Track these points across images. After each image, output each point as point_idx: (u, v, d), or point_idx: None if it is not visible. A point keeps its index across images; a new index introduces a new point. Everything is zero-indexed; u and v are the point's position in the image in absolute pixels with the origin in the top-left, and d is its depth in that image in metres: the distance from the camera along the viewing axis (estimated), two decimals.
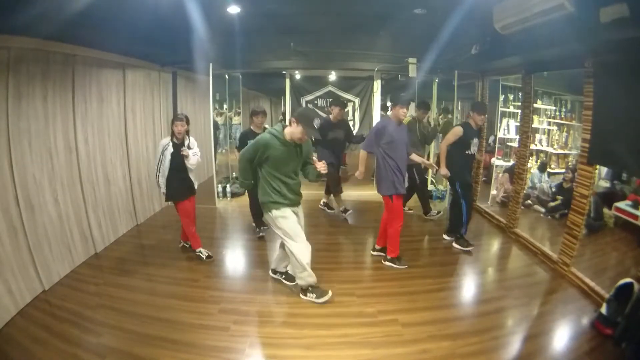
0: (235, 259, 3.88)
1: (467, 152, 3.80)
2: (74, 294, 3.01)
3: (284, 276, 3.21)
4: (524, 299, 3.04)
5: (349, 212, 5.03)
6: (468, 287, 3.28)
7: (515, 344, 2.48)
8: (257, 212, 4.06)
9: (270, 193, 2.76)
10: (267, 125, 4.02)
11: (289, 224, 2.79)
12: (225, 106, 8.12)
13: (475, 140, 3.83)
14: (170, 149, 3.41)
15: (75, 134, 3.49)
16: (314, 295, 2.91)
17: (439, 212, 5.05)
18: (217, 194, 5.73)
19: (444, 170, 3.84)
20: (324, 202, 5.35)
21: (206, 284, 3.22)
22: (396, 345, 2.44)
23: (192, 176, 3.60)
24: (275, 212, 2.79)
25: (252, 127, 4.05)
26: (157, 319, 2.69)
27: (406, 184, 3.59)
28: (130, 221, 4.49)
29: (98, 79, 3.83)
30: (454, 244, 4.00)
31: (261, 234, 4.26)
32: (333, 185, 4.97)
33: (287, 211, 2.81)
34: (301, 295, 2.96)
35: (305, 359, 2.33)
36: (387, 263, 3.56)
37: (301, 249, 2.80)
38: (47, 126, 3.14)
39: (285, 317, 2.77)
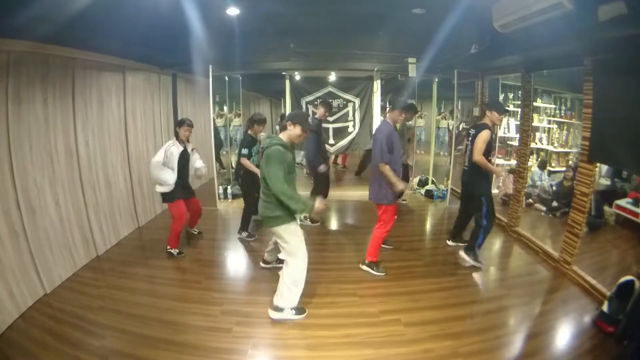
0: (236, 260, 3.88)
1: (489, 159, 3.50)
2: (76, 296, 3.02)
3: (278, 261, 3.25)
4: (525, 297, 3.04)
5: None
6: (470, 286, 3.27)
7: (517, 343, 2.48)
8: (249, 216, 4.30)
9: (279, 206, 2.63)
10: (263, 133, 4.28)
11: (296, 241, 2.70)
12: (225, 108, 8.13)
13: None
14: (177, 157, 3.59)
15: (76, 137, 3.49)
16: (294, 312, 2.74)
17: (404, 200, 5.55)
18: (218, 195, 5.74)
19: (499, 172, 3.80)
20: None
21: (208, 286, 3.23)
22: (399, 345, 2.44)
23: (199, 164, 3.90)
24: (283, 227, 2.67)
25: (250, 133, 4.12)
26: (160, 320, 2.69)
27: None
28: (132, 223, 4.49)
29: (98, 81, 3.84)
30: (462, 254, 3.60)
31: (253, 238, 4.29)
32: (323, 189, 4.92)
33: (293, 225, 2.71)
34: (272, 312, 2.74)
35: (307, 359, 2.34)
36: (364, 267, 3.47)
37: (302, 268, 2.70)
38: (47, 129, 3.14)
39: None
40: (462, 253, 3.61)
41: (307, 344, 2.46)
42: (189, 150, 3.79)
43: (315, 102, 6.40)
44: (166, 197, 3.64)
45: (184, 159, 3.69)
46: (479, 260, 3.55)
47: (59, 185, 3.27)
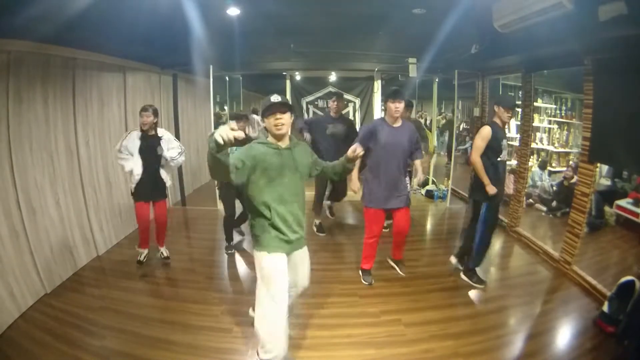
0: (237, 260, 3.87)
1: (498, 160, 3.00)
2: (76, 296, 3.02)
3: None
4: (526, 297, 3.04)
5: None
6: (470, 286, 3.26)
7: (517, 343, 2.48)
8: (230, 224, 3.88)
9: (263, 227, 2.03)
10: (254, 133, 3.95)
11: (272, 280, 1.98)
12: (226, 108, 8.13)
13: (505, 143, 3.03)
14: (138, 141, 3.21)
15: (76, 137, 3.49)
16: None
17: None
18: (219, 195, 5.72)
19: (491, 189, 2.91)
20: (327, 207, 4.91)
21: (208, 286, 3.23)
22: (399, 345, 2.44)
23: (163, 174, 3.36)
24: (261, 254, 2.03)
25: None
26: (160, 320, 2.70)
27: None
28: (132, 224, 4.46)
29: (99, 82, 3.84)
30: (462, 275, 3.32)
31: (230, 251, 3.90)
32: (341, 190, 4.52)
33: (277, 258, 2.02)
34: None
35: (308, 359, 2.33)
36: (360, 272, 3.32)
37: (267, 316, 1.97)
38: (48, 130, 3.14)
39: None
40: (462, 275, 3.32)
41: (308, 343, 2.46)
42: (159, 137, 3.29)
43: (316, 102, 6.41)
44: (132, 195, 3.31)
45: (147, 146, 3.22)
46: (480, 281, 3.21)
47: (60, 185, 3.27)
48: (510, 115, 2.99)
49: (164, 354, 2.34)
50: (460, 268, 3.39)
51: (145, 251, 3.53)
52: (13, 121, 2.75)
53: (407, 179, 3.25)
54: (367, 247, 3.23)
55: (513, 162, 5.13)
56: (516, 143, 5.38)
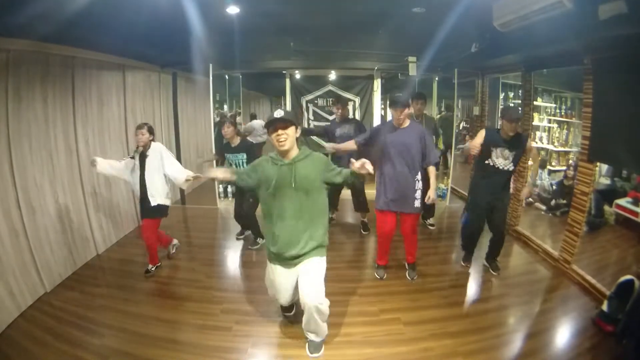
0: (237, 259, 3.88)
1: (486, 162, 3.13)
2: (76, 295, 3.02)
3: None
4: (525, 296, 3.04)
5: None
6: (469, 285, 3.27)
7: (516, 342, 2.49)
8: (241, 214, 3.96)
9: (266, 237, 2.28)
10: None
11: (270, 283, 2.37)
12: (225, 106, 8.14)
13: (501, 152, 3.07)
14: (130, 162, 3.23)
15: (76, 136, 3.49)
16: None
17: (432, 226, 4.69)
18: (219, 194, 5.73)
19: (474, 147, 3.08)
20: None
21: (208, 285, 3.23)
22: (398, 344, 2.45)
23: (150, 192, 3.20)
24: (268, 262, 2.34)
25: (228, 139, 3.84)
26: (160, 319, 2.70)
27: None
28: (132, 222, 4.49)
29: (98, 80, 3.84)
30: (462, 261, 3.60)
31: (241, 237, 4.23)
32: (358, 200, 4.38)
33: (275, 270, 2.27)
34: None
35: (307, 358, 2.34)
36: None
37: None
38: (47, 128, 3.14)
39: None
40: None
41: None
42: (148, 155, 3.17)
43: (316, 101, 6.40)
44: None
45: (140, 166, 3.21)
46: (464, 261, 3.56)
47: (59, 184, 3.27)
48: (512, 127, 2.97)
49: (164, 353, 2.35)
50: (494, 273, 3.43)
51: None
52: (12, 120, 2.75)
53: (420, 183, 3.14)
54: (379, 245, 3.39)
55: None
56: None
